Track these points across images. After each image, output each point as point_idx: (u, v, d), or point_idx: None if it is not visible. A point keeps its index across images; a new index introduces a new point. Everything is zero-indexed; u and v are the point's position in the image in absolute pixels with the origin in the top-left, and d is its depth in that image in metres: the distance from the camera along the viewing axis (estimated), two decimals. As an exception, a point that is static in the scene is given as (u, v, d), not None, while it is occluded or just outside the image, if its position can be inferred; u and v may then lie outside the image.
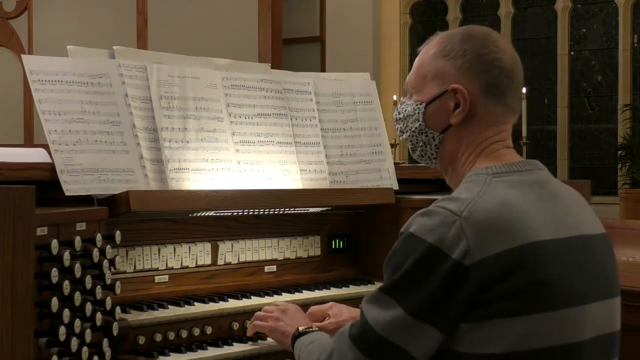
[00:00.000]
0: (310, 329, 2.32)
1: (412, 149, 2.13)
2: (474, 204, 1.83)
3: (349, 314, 2.57)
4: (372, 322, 1.86)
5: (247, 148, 2.95)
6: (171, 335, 2.55)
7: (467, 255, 1.78)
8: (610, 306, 1.95)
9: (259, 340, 2.62)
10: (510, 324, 1.79)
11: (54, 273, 2.07)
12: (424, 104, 2.05)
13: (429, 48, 2.07)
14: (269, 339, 2.63)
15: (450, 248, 1.79)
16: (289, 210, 2.99)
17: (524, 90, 8.46)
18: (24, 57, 2.66)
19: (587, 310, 1.87)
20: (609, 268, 1.98)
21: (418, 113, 2.06)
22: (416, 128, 2.07)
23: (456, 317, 1.81)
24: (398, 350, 1.84)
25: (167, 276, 2.75)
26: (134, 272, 2.68)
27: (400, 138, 2.16)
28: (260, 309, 2.75)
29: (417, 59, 2.10)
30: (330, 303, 2.65)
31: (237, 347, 2.60)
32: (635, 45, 10.26)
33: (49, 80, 2.60)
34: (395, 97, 8.77)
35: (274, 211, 2.95)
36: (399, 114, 2.12)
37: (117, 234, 2.38)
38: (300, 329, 2.31)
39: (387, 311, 1.84)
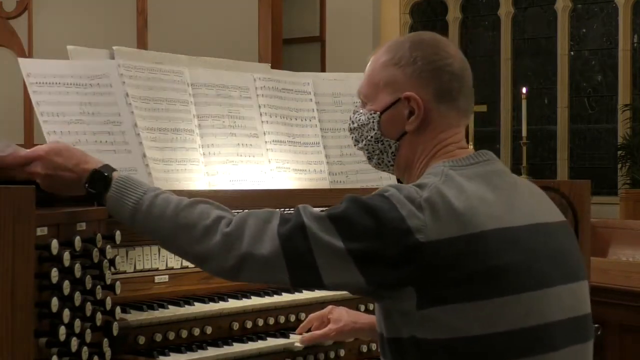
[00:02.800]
0: (109, 171, 2.14)
1: (368, 158, 2.17)
2: (434, 188, 1.89)
3: (348, 317, 2.57)
4: (310, 233, 1.90)
5: (246, 150, 2.95)
6: (171, 335, 2.55)
7: (422, 231, 1.83)
8: (578, 289, 1.99)
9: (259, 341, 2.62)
10: (471, 309, 1.82)
11: (54, 273, 2.07)
12: (378, 112, 2.08)
13: (379, 57, 2.09)
14: (268, 339, 2.63)
15: (409, 220, 1.84)
16: (289, 210, 2.98)
17: (524, 90, 8.46)
18: (20, 60, 2.66)
19: (552, 293, 1.90)
20: (572, 253, 2.02)
21: (373, 122, 2.09)
22: (372, 137, 2.11)
23: (389, 284, 1.85)
24: (314, 270, 1.89)
25: (167, 276, 2.75)
26: (134, 272, 2.68)
27: (356, 148, 2.18)
28: (260, 309, 2.75)
29: (367, 67, 2.13)
30: (330, 307, 2.64)
31: (237, 347, 2.60)
32: (635, 45, 10.27)
33: (46, 83, 2.60)
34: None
35: (274, 211, 2.95)
36: (353, 123, 2.15)
37: (117, 234, 2.38)
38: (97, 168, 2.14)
39: (328, 235, 1.89)
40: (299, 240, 1.91)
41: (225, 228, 1.96)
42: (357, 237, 1.87)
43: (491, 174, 1.98)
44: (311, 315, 2.65)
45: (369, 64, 2.12)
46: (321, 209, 1.98)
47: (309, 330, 2.66)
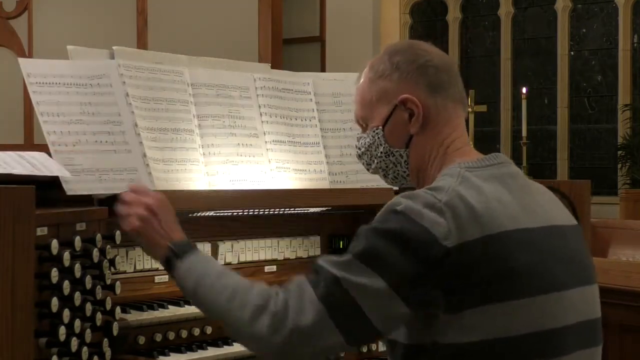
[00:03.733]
0: (188, 246, 2.10)
1: (384, 176, 2.15)
2: (452, 191, 1.87)
3: None
4: (346, 283, 1.83)
5: (246, 150, 2.95)
6: (171, 335, 2.55)
7: (448, 237, 1.81)
8: (589, 293, 1.98)
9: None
10: (488, 312, 1.81)
11: (54, 273, 2.07)
12: (380, 127, 2.09)
13: (363, 79, 2.12)
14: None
15: (432, 227, 1.81)
16: (289, 210, 2.99)
17: (524, 90, 8.46)
18: (20, 60, 2.66)
19: (566, 296, 1.90)
20: (584, 256, 2.02)
21: (378, 138, 2.10)
22: (382, 152, 2.10)
23: (429, 299, 1.82)
24: (363, 319, 1.82)
25: (167, 276, 2.75)
26: (134, 272, 2.68)
27: (369, 171, 2.18)
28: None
29: (355, 94, 2.15)
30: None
31: (237, 347, 2.60)
32: (635, 45, 10.27)
33: (46, 83, 2.60)
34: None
35: (274, 211, 2.95)
36: (360, 149, 2.15)
37: (117, 234, 2.38)
38: (175, 244, 2.10)
39: (366, 279, 1.82)
40: (338, 294, 1.83)
41: (273, 308, 1.88)
42: (392, 268, 1.81)
43: (506, 176, 1.99)
44: None
45: (356, 91, 2.15)
46: (335, 257, 1.89)
47: None
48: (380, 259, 1.83)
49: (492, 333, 1.82)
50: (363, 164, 2.18)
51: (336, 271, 1.84)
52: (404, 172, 2.11)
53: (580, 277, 1.96)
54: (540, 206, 1.98)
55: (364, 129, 2.14)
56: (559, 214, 2.03)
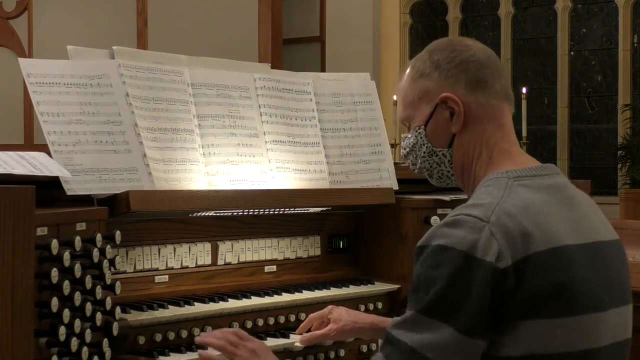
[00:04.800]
0: None
1: (428, 176, 2.13)
2: (499, 208, 1.83)
3: (348, 317, 2.55)
4: (420, 347, 1.77)
5: (246, 150, 2.95)
6: (171, 335, 2.55)
7: (501, 259, 1.76)
8: (624, 313, 1.95)
9: None
10: (531, 327, 1.78)
11: (54, 273, 2.07)
12: (422, 127, 2.07)
13: (405, 78, 2.11)
14: (268, 339, 2.63)
15: (484, 253, 1.77)
16: (289, 210, 2.99)
17: (524, 90, 8.46)
18: (20, 60, 2.66)
19: (605, 316, 1.87)
20: (624, 275, 1.98)
21: (421, 138, 2.08)
22: (425, 152, 2.09)
23: (494, 324, 1.78)
24: None
25: (167, 276, 2.75)
26: (134, 272, 2.68)
27: (415, 171, 2.16)
28: (260, 309, 2.75)
29: (397, 94, 2.14)
30: (330, 307, 2.62)
31: (237, 347, 2.60)
32: (635, 45, 10.26)
33: (46, 83, 2.60)
34: (395, 97, 8.76)
35: (274, 211, 2.95)
36: (405, 149, 2.14)
37: (117, 234, 2.38)
38: None
39: (435, 333, 1.77)
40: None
41: None
42: (461, 310, 1.76)
43: (554, 187, 1.94)
44: (311, 315, 2.65)
45: (397, 91, 2.13)
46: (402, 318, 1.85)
47: (309, 331, 2.66)
48: (446, 306, 1.77)
49: (529, 349, 1.79)
50: (409, 164, 2.16)
51: (407, 340, 1.79)
52: (448, 172, 2.09)
53: (619, 297, 1.93)
54: (588, 220, 1.94)
55: (408, 129, 2.12)
56: (604, 228, 1.99)
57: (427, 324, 1.78)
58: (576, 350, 1.82)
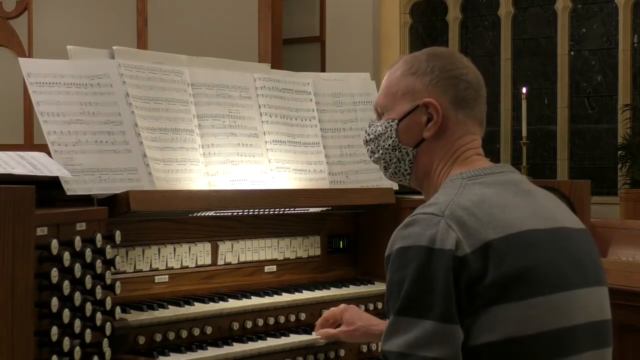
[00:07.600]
0: None
1: (384, 168, 2.16)
2: (453, 203, 1.88)
3: (361, 322, 2.54)
4: (407, 348, 1.81)
5: (246, 150, 2.95)
6: (171, 335, 2.55)
7: (459, 247, 1.81)
8: (599, 294, 1.99)
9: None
10: (503, 311, 1.81)
11: (54, 273, 2.07)
12: (395, 121, 2.10)
13: (396, 69, 2.13)
14: (268, 339, 2.63)
15: (443, 244, 1.82)
16: (289, 210, 2.99)
17: (524, 90, 8.46)
18: (20, 60, 2.66)
19: (577, 295, 1.91)
20: (594, 258, 2.02)
21: (390, 130, 2.11)
22: (389, 145, 2.11)
23: (464, 310, 1.82)
24: None
25: (167, 276, 2.75)
26: (134, 272, 2.68)
27: (371, 159, 2.19)
28: (260, 309, 2.75)
29: (384, 80, 2.16)
30: (343, 306, 2.60)
31: (237, 347, 2.60)
32: (635, 45, 10.26)
33: (46, 83, 2.61)
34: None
35: (274, 211, 2.95)
36: (369, 135, 2.16)
37: (117, 234, 2.38)
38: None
39: (416, 330, 1.81)
40: None
41: None
42: (432, 303, 1.81)
43: (509, 182, 2.00)
44: (325, 314, 2.62)
45: (385, 78, 2.16)
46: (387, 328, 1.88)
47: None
48: (419, 301, 1.82)
49: (509, 332, 1.81)
50: (367, 150, 2.19)
51: (394, 346, 1.83)
52: (406, 170, 2.12)
53: (589, 278, 1.96)
54: (547, 209, 1.99)
55: (379, 117, 2.15)
56: (566, 217, 2.03)
57: (406, 324, 1.83)
58: (550, 329, 1.85)
